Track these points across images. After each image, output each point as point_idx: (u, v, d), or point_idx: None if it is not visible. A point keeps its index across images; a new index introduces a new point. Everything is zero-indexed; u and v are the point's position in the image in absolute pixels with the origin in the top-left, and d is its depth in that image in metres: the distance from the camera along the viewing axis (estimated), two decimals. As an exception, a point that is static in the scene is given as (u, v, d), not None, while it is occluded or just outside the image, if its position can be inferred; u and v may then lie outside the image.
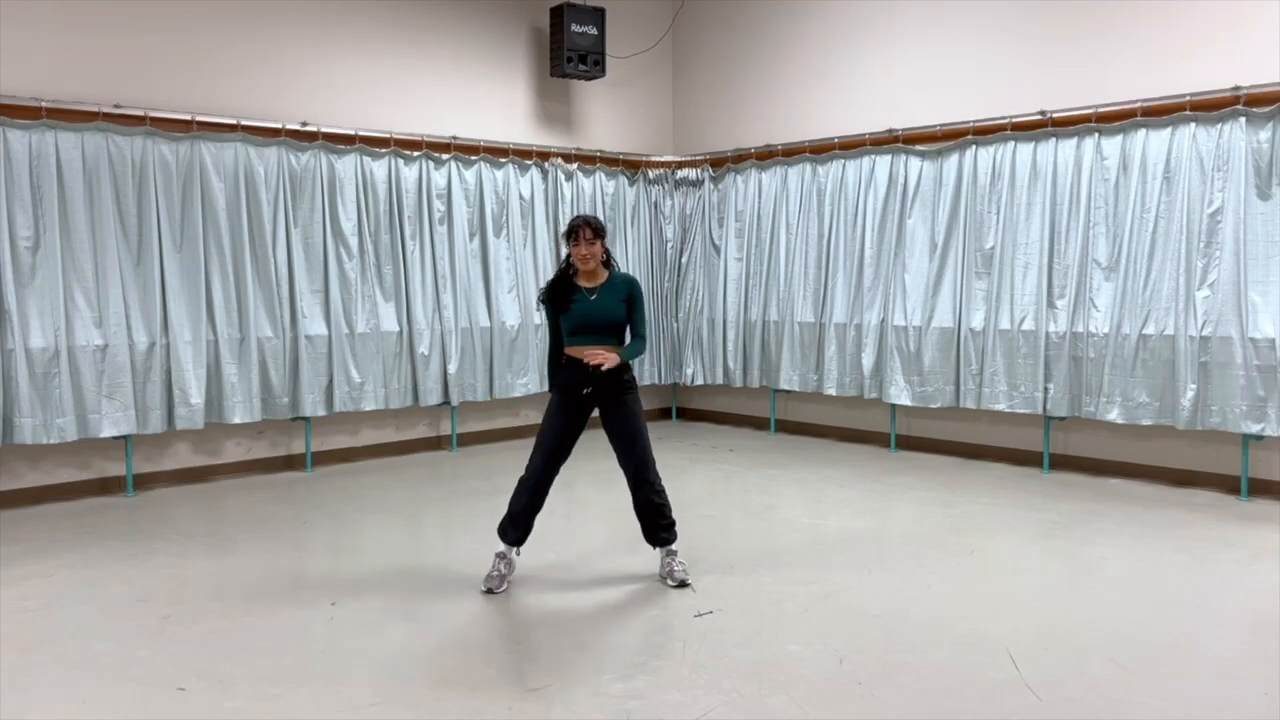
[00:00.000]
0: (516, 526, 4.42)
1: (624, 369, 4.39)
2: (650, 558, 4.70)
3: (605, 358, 4.27)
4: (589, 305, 4.36)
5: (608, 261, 4.47)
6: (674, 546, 4.48)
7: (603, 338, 4.36)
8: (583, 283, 4.41)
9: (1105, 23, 6.46)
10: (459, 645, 3.76)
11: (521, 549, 4.49)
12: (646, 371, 8.90)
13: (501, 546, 4.45)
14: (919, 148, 7.26)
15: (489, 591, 4.32)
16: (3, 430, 5.78)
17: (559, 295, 4.41)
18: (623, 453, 4.43)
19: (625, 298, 4.41)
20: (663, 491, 4.45)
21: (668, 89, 9.34)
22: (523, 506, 4.40)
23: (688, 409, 9.38)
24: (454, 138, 7.60)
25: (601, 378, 4.31)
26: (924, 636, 3.78)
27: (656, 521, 4.45)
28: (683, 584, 4.36)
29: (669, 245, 9.02)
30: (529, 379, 8.05)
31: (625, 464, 4.43)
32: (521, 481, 4.41)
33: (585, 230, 4.32)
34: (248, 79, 6.80)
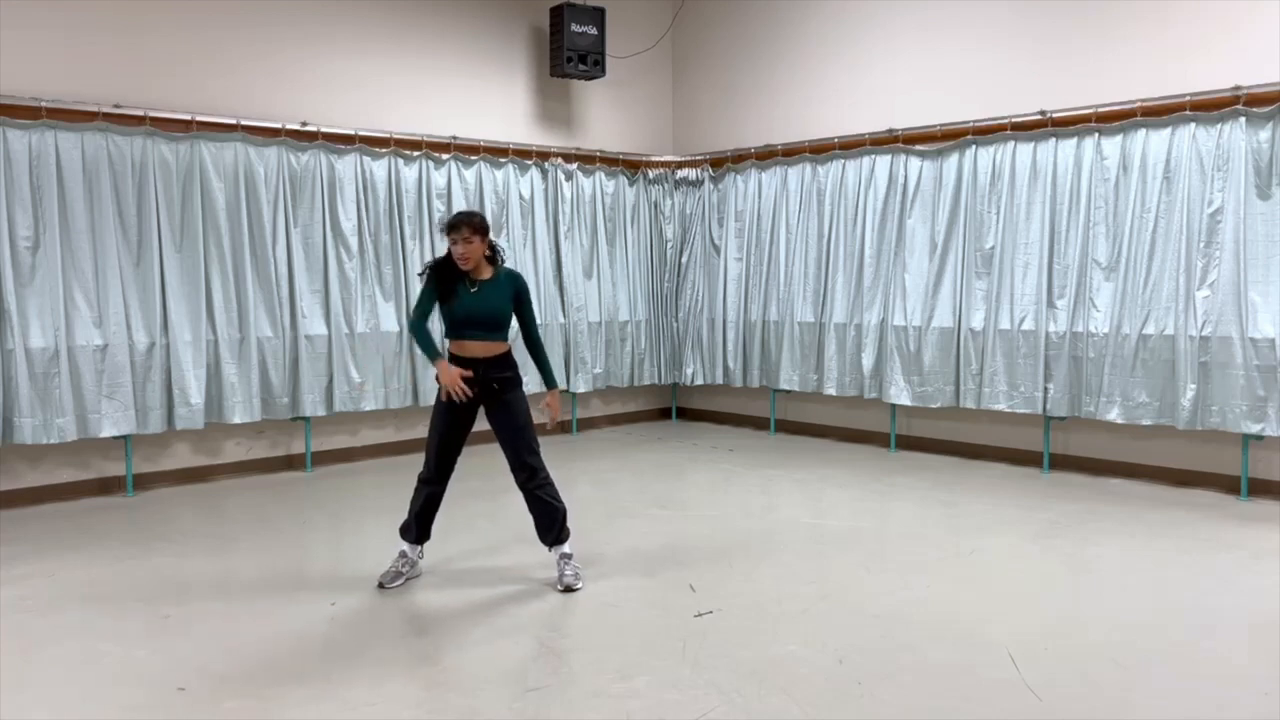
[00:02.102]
0: (417, 526, 4.45)
1: (505, 366, 4.36)
2: (656, 560, 4.71)
3: (556, 411, 4.54)
4: (473, 299, 4.28)
5: (493, 257, 4.38)
6: (567, 549, 4.42)
7: (488, 333, 4.31)
8: (468, 276, 4.31)
9: (1105, 23, 6.46)
10: (459, 645, 3.76)
11: (424, 548, 4.53)
12: (647, 371, 8.90)
13: (404, 545, 4.47)
14: (919, 148, 7.26)
15: (381, 587, 4.35)
16: (3, 430, 5.78)
17: (444, 279, 4.31)
18: (507, 448, 4.37)
19: (512, 294, 4.36)
20: (549, 487, 4.37)
21: (668, 89, 9.34)
22: (421, 506, 4.42)
23: (688, 409, 9.38)
24: (454, 138, 7.60)
25: (483, 374, 4.29)
26: (924, 636, 3.78)
27: (542, 522, 4.41)
28: (569, 589, 4.30)
29: (669, 245, 9.02)
30: (528, 379, 7.98)
31: (510, 459, 4.37)
32: (420, 480, 4.42)
33: (463, 230, 4.21)
34: (248, 79, 6.80)
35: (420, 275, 4.54)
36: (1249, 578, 4.50)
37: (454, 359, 4.33)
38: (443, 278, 4.32)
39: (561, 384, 8.27)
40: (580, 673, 3.52)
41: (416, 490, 4.45)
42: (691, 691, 3.30)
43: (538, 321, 4.61)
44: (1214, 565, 4.73)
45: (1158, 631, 3.86)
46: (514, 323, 4.45)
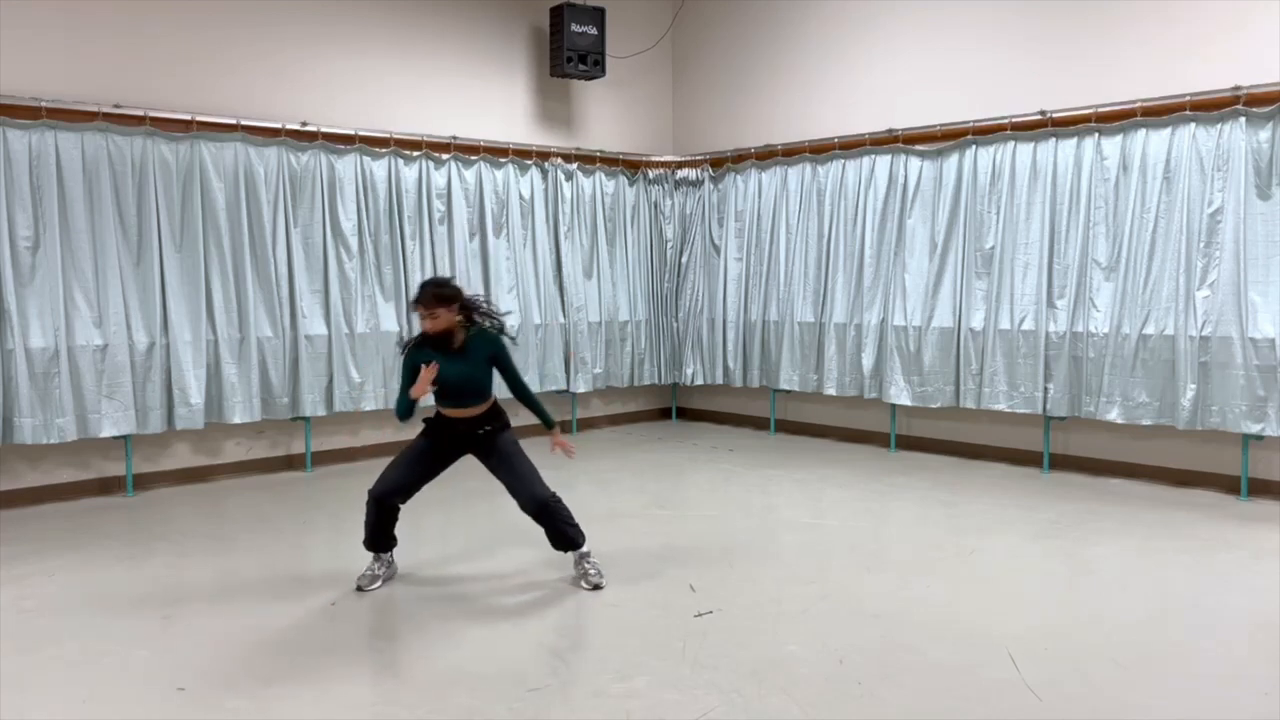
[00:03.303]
0: (379, 539, 4.43)
1: (492, 418, 4.36)
2: (656, 560, 4.71)
3: (566, 446, 4.52)
4: (449, 370, 4.26)
5: (469, 320, 4.36)
6: (585, 548, 4.43)
7: (470, 400, 4.32)
8: (441, 345, 4.30)
9: (1105, 23, 6.46)
10: (459, 645, 3.76)
11: (393, 552, 4.52)
12: (647, 371, 8.90)
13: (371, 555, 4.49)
14: (919, 148, 7.26)
15: (359, 589, 4.35)
16: (3, 430, 5.79)
17: (424, 352, 4.30)
18: (515, 487, 4.34)
19: (487, 358, 4.34)
20: (556, 498, 4.36)
21: (668, 89, 9.34)
22: (376, 521, 4.38)
23: (688, 409, 9.38)
24: (454, 138, 7.60)
25: (468, 428, 4.32)
26: (924, 636, 3.78)
27: (558, 542, 4.40)
28: (596, 587, 4.32)
29: (669, 245, 9.02)
30: (528, 379, 8.00)
31: (522, 499, 4.34)
32: (372, 496, 4.35)
33: (429, 303, 4.20)
34: (248, 79, 6.80)
35: (398, 348, 4.54)
36: (1249, 578, 4.50)
37: (441, 418, 4.38)
38: (419, 353, 4.31)
39: (560, 384, 8.27)
40: (580, 673, 3.52)
41: (368, 508, 4.38)
42: (691, 691, 3.30)
43: (520, 373, 4.56)
44: (1214, 565, 4.73)
45: (1158, 631, 3.86)
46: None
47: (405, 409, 4.33)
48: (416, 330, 4.45)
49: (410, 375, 4.32)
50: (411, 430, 4.70)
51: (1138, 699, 3.28)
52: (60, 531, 5.45)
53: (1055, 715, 3.15)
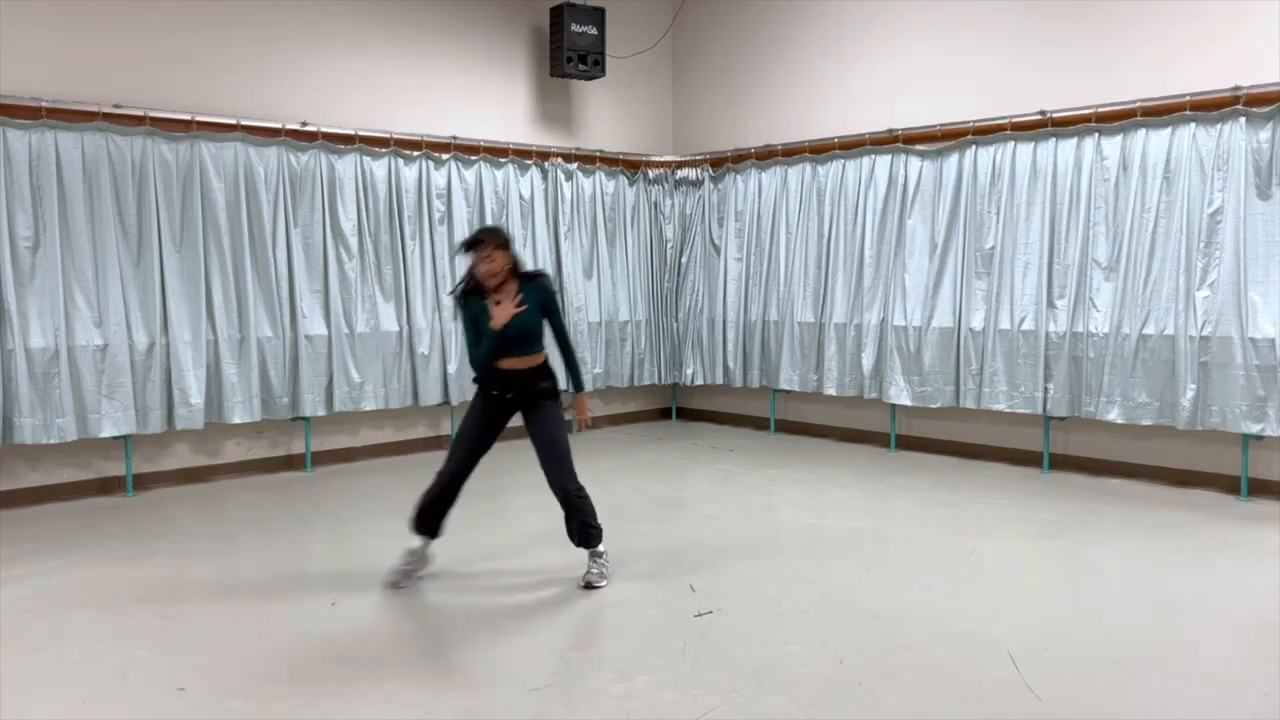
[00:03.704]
0: (429, 519, 4.41)
1: (542, 377, 4.36)
2: (656, 560, 4.71)
3: (585, 413, 4.53)
4: (510, 321, 4.23)
5: (514, 268, 4.33)
6: (601, 548, 4.43)
7: (523, 348, 4.31)
8: (493, 294, 4.28)
9: (1105, 23, 6.46)
10: (459, 645, 3.76)
11: (432, 546, 4.49)
12: (647, 371, 8.90)
13: (415, 542, 4.44)
14: (919, 148, 7.26)
15: (391, 586, 4.34)
16: (3, 430, 5.78)
17: (472, 301, 4.29)
18: (542, 456, 4.35)
19: (539, 304, 4.33)
20: (582, 493, 4.37)
21: (668, 89, 9.34)
22: (434, 499, 4.37)
23: (688, 409, 9.38)
24: (454, 138, 7.60)
25: (522, 385, 4.30)
26: (923, 636, 3.78)
27: (575, 534, 4.40)
28: (589, 586, 4.32)
29: (669, 245, 9.02)
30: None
31: (546, 475, 4.35)
32: (438, 475, 4.38)
33: (487, 246, 4.18)
34: (248, 79, 6.80)
35: (452, 297, 4.50)
36: (1249, 578, 4.50)
37: (495, 373, 4.31)
38: (470, 302, 4.30)
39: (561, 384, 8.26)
40: (580, 673, 3.52)
41: (431, 485, 4.40)
42: (691, 691, 3.30)
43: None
44: (1214, 565, 4.73)
45: (1158, 631, 3.86)
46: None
47: (486, 355, 4.24)
48: (459, 280, 4.42)
49: (472, 328, 4.29)
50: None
51: (1138, 699, 3.28)
52: (60, 531, 5.45)
53: (1055, 715, 3.15)
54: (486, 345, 4.24)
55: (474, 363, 4.35)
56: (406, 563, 4.43)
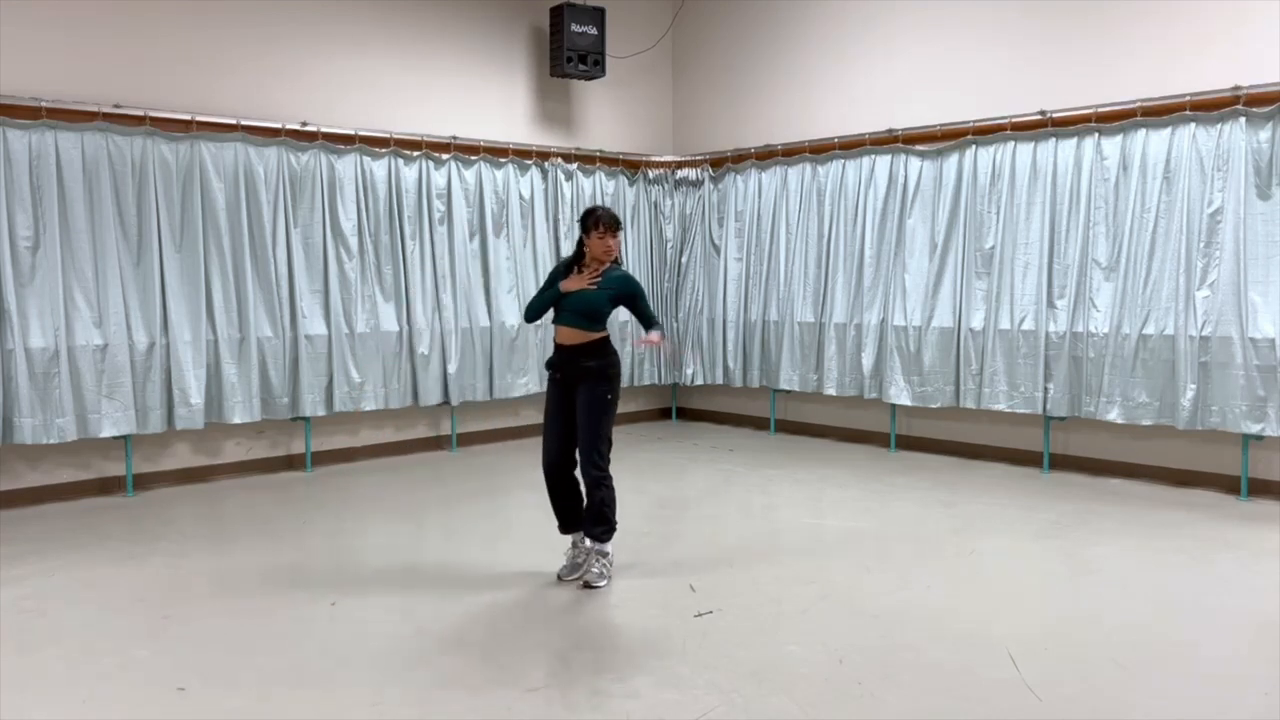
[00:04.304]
0: (561, 516, 4.54)
1: (592, 355, 4.42)
2: (656, 560, 4.70)
3: (657, 341, 4.50)
4: (578, 293, 4.42)
5: (617, 257, 4.57)
6: (606, 548, 4.46)
7: (579, 321, 4.42)
8: (585, 267, 4.48)
9: (1105, 23, 6.46)
10: (459, 645, 3.76)
11: (580, 537, 4.53)
12: (646, 371, 8.90)
13: (567, 539, 4.57)
14: (919, 148, 7.26)
15: (559, 579, 4.45)
16: (3, 430, 5.78)
17: (563, 275, 4.51)
18: (581, 449, 4.44)
19: (612, 295, 4.46)
20: (607, 483, 4.41)
21: (668, 89, 9.34)
22: (552, 497, 4.51)
23: (688, 409, 9.38)
24: (454, 138, 7.60)
25: (570, 361, 4.41)
26: (924, 636, 3.78)
27: (591, 523, 4.44)
28: (587, 585, 4.36)
29: (669, 245, 9.02)
30: (529, 379, 8.05)
31: (580, 459, 4.45)
32: (544, 473, 4.50)
33: (615, 225, 4.43)
34: (248, 79, 6.80)
35: (560, 268, 4.62)
36: (1249, 578, 4.50)
37: (554, 350, 4.51)
38: (563, 267, 4.57)
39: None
40: (580, 673, 3.52)
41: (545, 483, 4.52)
42: (691, 691, 3.30)
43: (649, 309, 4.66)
44: (1214, 565, 4.73)
45: (1158, 631, 3.86)
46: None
47: (536, 304, 4.53)
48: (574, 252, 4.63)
49: (549, 283, 4.53)
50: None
51: (1138, 699, 3.28)
52: (60, 531, 5.45)
53: (1055, 715, 3.15)
54: (543, 296, 4.51)
55: (526, 308, 4.60)
56: (570, 558, 4.53)
